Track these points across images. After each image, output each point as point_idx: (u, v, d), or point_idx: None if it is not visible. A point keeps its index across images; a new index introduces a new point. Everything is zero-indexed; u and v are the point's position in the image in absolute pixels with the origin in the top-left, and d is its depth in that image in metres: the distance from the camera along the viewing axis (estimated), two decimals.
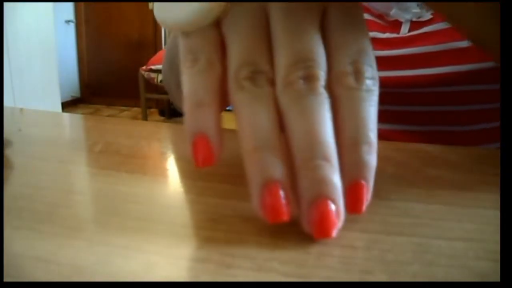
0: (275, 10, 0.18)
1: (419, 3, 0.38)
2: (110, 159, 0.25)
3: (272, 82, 0.17)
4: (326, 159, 0.15)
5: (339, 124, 0.16)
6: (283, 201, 0.15)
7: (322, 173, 0.15)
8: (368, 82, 0.17)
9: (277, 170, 0.15)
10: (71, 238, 0.16)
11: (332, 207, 0.15)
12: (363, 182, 0.16)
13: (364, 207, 0.16)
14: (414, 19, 0.38)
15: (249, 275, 0.14)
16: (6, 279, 0.13)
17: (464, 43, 0.35)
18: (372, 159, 0.16)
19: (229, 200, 0.19)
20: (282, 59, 0.17)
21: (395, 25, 0.39)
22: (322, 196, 0.15)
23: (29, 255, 0.15)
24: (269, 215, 0.15)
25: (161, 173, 0.24)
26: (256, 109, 0.16)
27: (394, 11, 0.38)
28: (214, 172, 0.22)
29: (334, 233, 0.15)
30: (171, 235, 0.16)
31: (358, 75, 0.17)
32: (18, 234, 0.16)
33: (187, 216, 0.19)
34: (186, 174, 0.23)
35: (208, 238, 0.16)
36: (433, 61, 0.37)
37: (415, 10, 0.38)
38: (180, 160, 0.26)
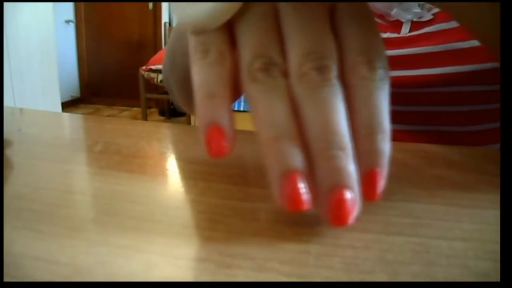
0: (285, 7, 0.18)
1: (420, 3, 0.38)
2: (110, 159, 0.25)
3: (285, 74, 0.17)
4: (342, 148, 0.15)
5: (353, 113, 0.17)
6: (302, 190, 0.15)
7: (338, 163, 0.15)
8: (381, 71, 0.17)
9: (296, 159, 0.16)
10: (71, 238, 0.16)
11: (349, 195, 0.15)
12: (378, 169, 0.16)
13: (379, 194, 0.16)
14: (415, 19, 0.38)
15: (249, 275, 0.14)
16: (6, 279, 0.13)
17: (465, 44, 0.35)
18: (386, 147, 0.16)
19: (229, 200, 0.19)
20: (294, 51, 0.17)
21: (396, 25, 0.39)
22: (339, 185, 0.15)
23: (29, 255, 0.14)
24: (289, 204, 0.15)
25: (161, 173, 0.24)
26: (272, 100, 0.16)
27: (395, 11, 0.39)
28: (214, 172, 0.22)
29: (351, 220, 0.15)
30: (171, 235, 0.16)
31: (370, 64, 0.17)
32: (18, 234, 0.16)
33: (187, 216, 0.18)
34: (186, 174, 0.23)
35: (208, 238, 0.16)
36: (434, 61, 0.37)
37: (416, 10, 0.38)
38: (180, 160, 0.26)
